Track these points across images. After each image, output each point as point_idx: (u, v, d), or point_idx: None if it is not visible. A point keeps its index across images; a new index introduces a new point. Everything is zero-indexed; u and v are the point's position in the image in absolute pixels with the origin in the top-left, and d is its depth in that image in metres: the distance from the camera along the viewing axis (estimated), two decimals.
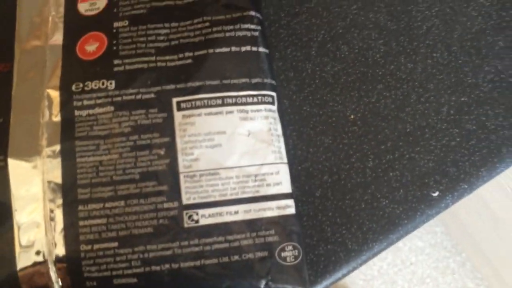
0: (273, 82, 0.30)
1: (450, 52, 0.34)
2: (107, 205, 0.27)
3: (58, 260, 0.26)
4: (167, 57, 0.29)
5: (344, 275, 0.30)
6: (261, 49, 0.30)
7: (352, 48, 0.34)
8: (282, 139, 0.29)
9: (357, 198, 0.31)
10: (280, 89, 0.33)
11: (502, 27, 0.34)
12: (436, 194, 0.31)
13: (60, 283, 0.27)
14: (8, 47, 0.30)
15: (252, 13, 0.30)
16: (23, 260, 0.26)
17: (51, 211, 0.27)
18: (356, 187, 0.31)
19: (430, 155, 0.32)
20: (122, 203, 0.27)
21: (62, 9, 0.31)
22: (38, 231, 0.27)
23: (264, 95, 0.29)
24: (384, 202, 0.31)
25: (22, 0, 0.31)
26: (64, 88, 0.29)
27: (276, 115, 0.29)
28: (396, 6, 0.35)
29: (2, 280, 0.26)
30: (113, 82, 0.29)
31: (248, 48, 0.29)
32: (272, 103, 0.29)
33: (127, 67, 0.29)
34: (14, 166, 0.27)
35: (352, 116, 0.33)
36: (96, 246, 0.26)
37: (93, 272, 0.26)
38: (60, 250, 0.26)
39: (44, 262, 0.26)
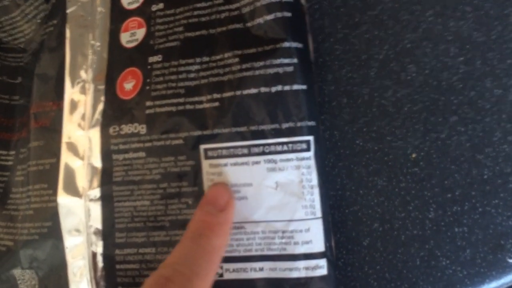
0: (311, 123, 0.26)
1: None
2: (140, 250, 0.28)
3: None
4: (196, 99, 0.27)
5: None
6: (296, 87, 0.26)
7: (422, 68, 0.27)
8: (317, 191, 0.26)
9: (411, 253, 0.27)
10: (331, 119, 0.29)
11: None
12: None
13: None
14: (59, 86, 0.31)
15: (287, 44, 0.26)
16: None
17: (94, 254, 0.29)
18: (412, 240, 0.27)
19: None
20: (154, 249, 0.28)
21: (107, 40, 0.31)
22: (85, 269, 0.29)
23: (296, 142, 0.26)
24: (445, 262, 0.26)
25: (71, 36, 0.32)
26: (104, 131, 0.29)
27: (312, 162, 0.26)
28: (487, 10, 0.27)
29: None
30: (145, 126, 0.28)
31: (279, 88, 0.26)
32: (307, 150, 0.26)
33: (157, 109, 0.28)
34: (63, 204, 0.30)
35: (413, 155, 0.27)
36: None
37: None
38: None
39: None
